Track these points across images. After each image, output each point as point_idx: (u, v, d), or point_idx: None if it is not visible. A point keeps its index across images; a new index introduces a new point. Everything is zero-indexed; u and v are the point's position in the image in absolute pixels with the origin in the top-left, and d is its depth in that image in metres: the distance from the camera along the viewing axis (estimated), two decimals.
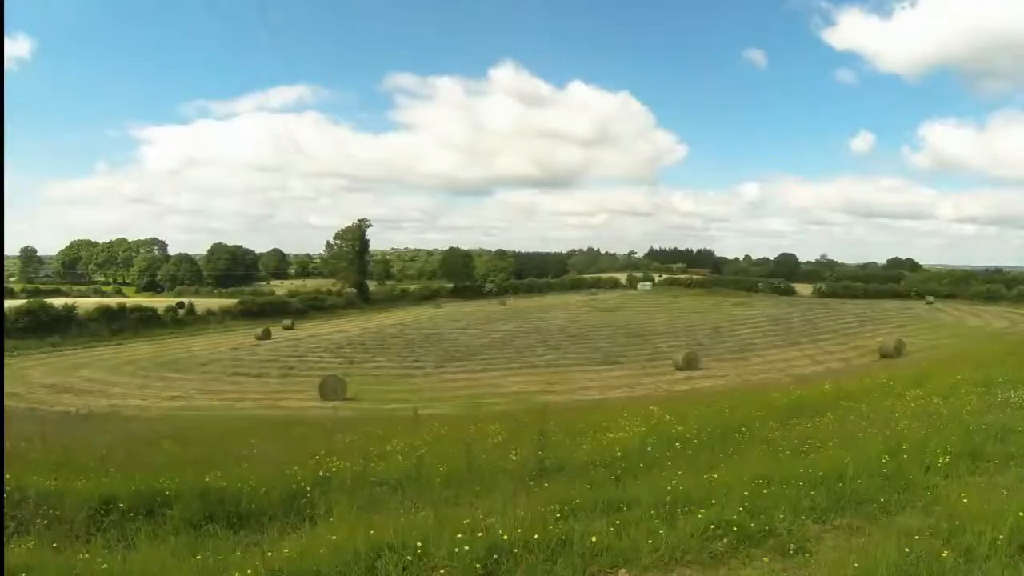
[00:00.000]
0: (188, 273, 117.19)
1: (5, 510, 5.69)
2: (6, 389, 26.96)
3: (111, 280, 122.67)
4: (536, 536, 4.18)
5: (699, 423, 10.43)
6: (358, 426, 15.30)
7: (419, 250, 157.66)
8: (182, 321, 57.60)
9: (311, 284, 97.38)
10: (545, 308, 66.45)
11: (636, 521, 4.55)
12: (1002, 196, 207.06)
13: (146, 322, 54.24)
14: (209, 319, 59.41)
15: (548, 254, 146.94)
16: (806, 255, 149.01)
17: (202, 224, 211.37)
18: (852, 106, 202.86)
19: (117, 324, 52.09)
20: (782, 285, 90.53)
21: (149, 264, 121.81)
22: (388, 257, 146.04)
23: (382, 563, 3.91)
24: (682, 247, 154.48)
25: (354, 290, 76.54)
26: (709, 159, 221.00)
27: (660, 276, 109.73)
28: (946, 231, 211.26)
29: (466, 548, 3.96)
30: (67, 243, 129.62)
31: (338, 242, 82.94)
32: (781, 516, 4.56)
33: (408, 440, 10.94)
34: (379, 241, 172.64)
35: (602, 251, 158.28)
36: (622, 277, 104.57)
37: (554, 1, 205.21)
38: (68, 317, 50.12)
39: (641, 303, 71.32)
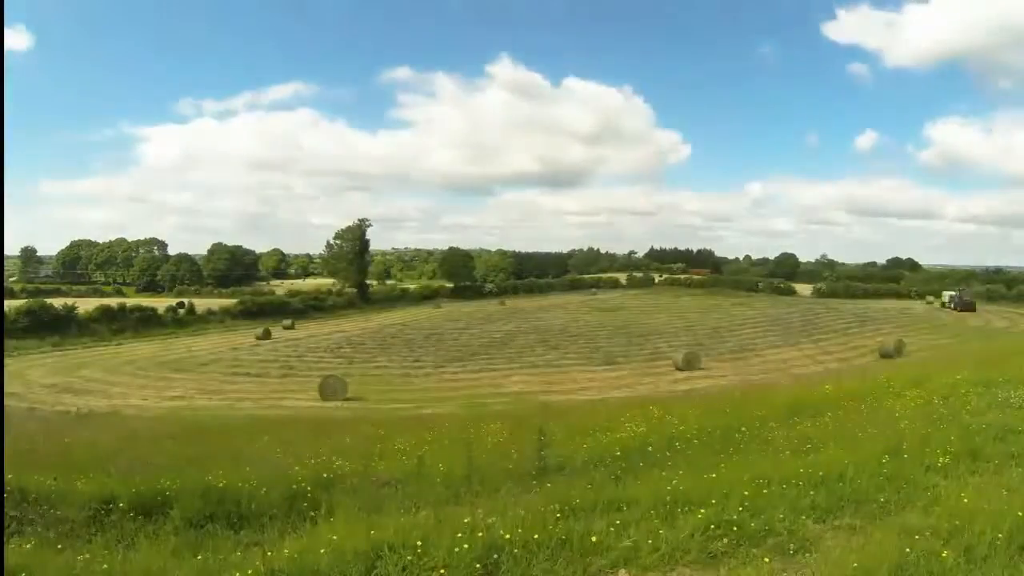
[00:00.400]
0: (188, 273, 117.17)
1: (5, 510, 5.69)
2: (6, 389, 26.97)
3: (111, 280, 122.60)
4: (536, 536, 4.18)
5: (699, 423, 10.43)
6: (358, 426, 15.31)
7: (419, 250, 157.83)
8: (182, 321, 57.61)
9: (311, 284, 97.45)
10: (545, 308, 66.46)
11: (636, 521, 4.55)
12: (1008, 196, 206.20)
13: (146, 322, 54.26)
14: (209, 319, 59.42)
15: (548, 254, 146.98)
16: (809, 255, 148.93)
17: (202, 224, 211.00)
18: (858, 104, 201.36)
19: (117, 324, 52.11)
20: (782, 285, 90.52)
21: (149, 264, 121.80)
22: (388, 257, 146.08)
23: (382, 563, 3.92)
24: (685, 247, 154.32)
25: (354, 290, 76.52)
26: (713, 158, 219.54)
27: (660, 276, 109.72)
28: (950, 231, 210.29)
29: (466, 547, 3.97)
30: (67, 243, 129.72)
31: (338, 242, 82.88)
32: (781, 516, 4.56)
33: (408, 440, 10.95)
34: (379, 241, 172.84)
35: (602, 251, 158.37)
36: (622, 277, 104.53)
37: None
38: (68, 317, 50.14)
39: (641, 303, 71.33)
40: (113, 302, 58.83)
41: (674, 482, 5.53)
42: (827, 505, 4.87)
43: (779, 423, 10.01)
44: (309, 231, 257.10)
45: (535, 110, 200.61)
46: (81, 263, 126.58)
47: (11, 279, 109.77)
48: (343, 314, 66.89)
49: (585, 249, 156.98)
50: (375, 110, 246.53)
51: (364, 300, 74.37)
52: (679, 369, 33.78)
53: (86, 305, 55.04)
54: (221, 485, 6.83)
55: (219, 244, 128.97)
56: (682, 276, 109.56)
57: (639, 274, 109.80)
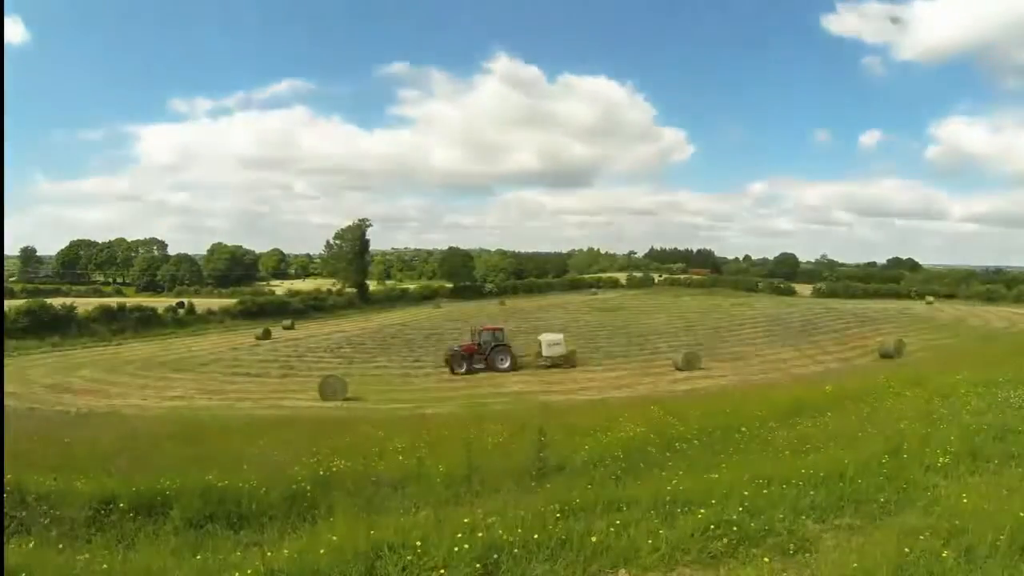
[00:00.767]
0: (188, 273, 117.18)
1: (5, 510, 5.69)
2: (6, 389, 26.96)
3: (111, 280, 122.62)
4: (536, 536, 4.19)
5: (699, 423, 10.43)
6: (358, 426, 15.29)
7: (419, 250, 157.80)
8: (182, 321, 57.58)
9: (311, 284, 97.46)
10: (545, 308, 66.45)
11: (636, 521, 4.55)
12: (1013, 196, 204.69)
13: (146, 322, 54.23)
14: (209, 319, 59.39)
15: (548, 254, 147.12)
16: (812, 255, 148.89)
17: (202, 224, 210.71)
18: (863, 102, 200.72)
19: (117, 324, 52.08)
20: (782, 285, 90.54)
21: (149, 264, 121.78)
22: (388, 257, 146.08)
23: (382, 563, 3.92)
24: (687, 246, 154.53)
25: (354, 290, 76.49)
26: (715, 158, 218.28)
27: (660, 276, 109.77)
28: (954, 231, 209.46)
29: (466, 547, 3.97)
30: (67, 243, 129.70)
31: (338, 242, 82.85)
32: (781, 516, 4.56)
33: (408, 440, 10.94)
34: (379, 241, 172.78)
35: (602, 251, 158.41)
36: (622, 277, 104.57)
37: None
38: (68, 317, 50.10)
39: (641, 303, 71.32)
40: (113, 302, 58.79)
41: (674, 482, 5.53)
42: (827, 505, 4.88)
43: (779, 423, 10.01)
44: (309, 231, 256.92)
45: (535, 109, 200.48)
46: (81, 263, 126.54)
47: (11, 279, 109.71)
48: (343, 314, 66.85)
49: (585, 249, 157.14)
50: (374, 108, 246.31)
51: (364, 300, 74.34)
52: (679, 369, 33.76)
53: (86, 305, 55.01)
54: (221, 485, 6.83)
55: (219, 244, 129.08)
56: (682, 276, 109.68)
57: (639, 274, 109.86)
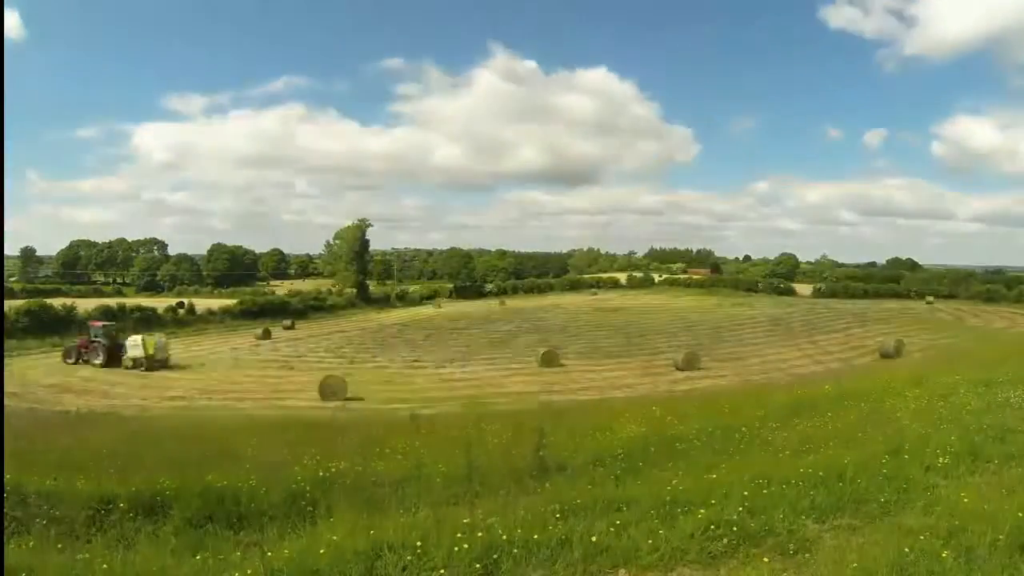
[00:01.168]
0: (188, 273, 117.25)
1: (5, 510, 5.69)
2: (6, 389, 26.94)
3: (111, 280, 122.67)
4: (536, 536, 4.19)
5: (699, 423, 10.44)
6: (358, 426, 15.29)
7: (419, 250, 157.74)
8: (182, 321, 57.54)
9: (311, 284, 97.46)
10: (545, 308, 66.46)
11: (636, 521, 4.55)
12: (1018, 196, 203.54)
13: (146, 322, 54.15)
14: (209, 319, 59.35)
15: (549, 254, 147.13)
16: (815, 255, 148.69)
17: (202, 224, 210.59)
18: (868, 101, 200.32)
19: (117, 324, 52.04)
20: (782, 285, 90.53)
21: (149, 264, 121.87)
22: (388, 257, 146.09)
23: (382, 563, 3.92)
24: (691, 246, 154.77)
25: (354, 290, 76.52)
26: (719, 158, 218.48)
27: (660, 276, 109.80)
28: (958, 231, 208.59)
29: (466, 548, 3.97)
30: (67, 243, 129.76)
31: (338, 242, 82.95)
32: (781, 516, 4.56)
33: (408, 440, 10.94)
34: (380, 241, 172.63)
35: (603, 251, 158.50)
36: (622, 277, 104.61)
37: None
38: (68, 317, 50.09)
39: (641, 303, 71.34)
40: (113, 302, 58.80)
41: (674, 482, 5.54)
42: (827, 505, 4.87)
43: (779, 423, 10.01)
44: (309, 231, 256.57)
45: (535, 105, 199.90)
46: (81, 263, 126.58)
47: (11, 279, 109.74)
48: (343, 314, 66.85)
49: (585, 249, 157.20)
50: (372, 105, 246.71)
51: (364, 300, 74.35)
52: (679, 369, 33.76)
53: (86, 305, 55.00)
54: (221, 485, 6.83)
55: (219, 244, 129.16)
56: (682, 276, 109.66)
57: (639, 274, 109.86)
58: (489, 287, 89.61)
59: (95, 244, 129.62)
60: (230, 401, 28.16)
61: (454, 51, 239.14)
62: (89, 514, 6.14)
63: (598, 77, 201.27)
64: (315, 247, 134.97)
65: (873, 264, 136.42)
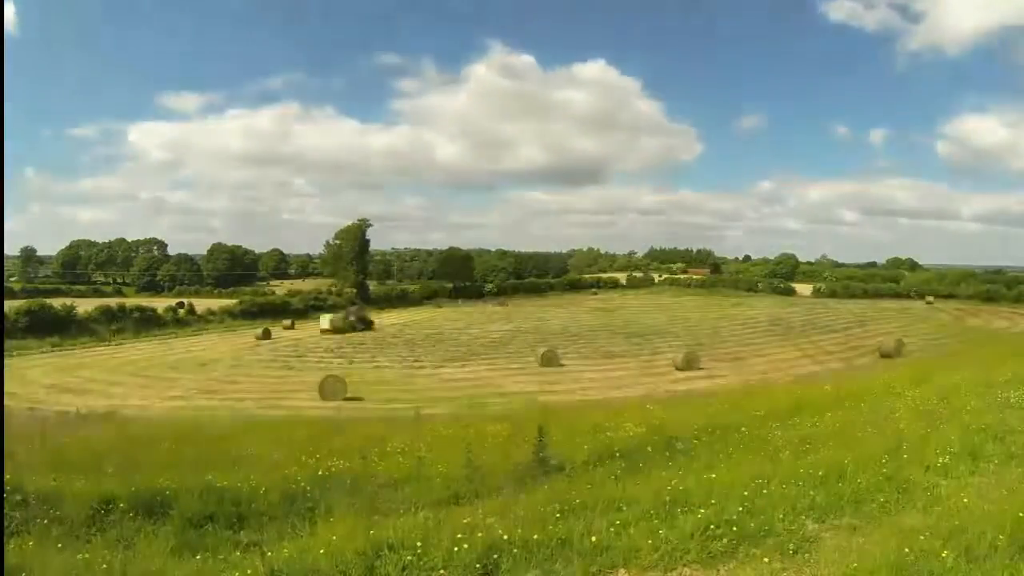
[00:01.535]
0: (188, 273, 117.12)
1: (5, 510, 5.69)
2: (6, 389, 26.93)
3: (111, 280, 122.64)
4: (536, 536, 4.19)
5: (699, 423, 10.43)
6: (358, 426, 15.29)
7: (419, 250, 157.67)
8: (182, 321, 57.57)
9: (311, 284, 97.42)
10: (545, 308, 66.47)
11: (636, 521, 4.55)
12: (1021, 195, 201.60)
13: (146, 322, 54.22)
14: (209, 319, 59.38)
15: (548, 254, 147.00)
16: (817, 254, 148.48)
17: (200, 223, 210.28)
18: (872, 99, 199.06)
19: (117, 324, 52.07)
20: (782, 285, 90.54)
21: (149, 264, 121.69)
22: (388, 257, 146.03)
23: (382, 563, 3.92)
24: (694, 246, 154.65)
25: (354, 290, 76.49)
26: (723, 157, 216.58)
27: (660, 276, 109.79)
28: (962, 231, 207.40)
29: (466, 547, 3.97)
30: (67, 243, 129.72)
31: (338, 242, 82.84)
32: (781, 516, 4.56)
33: (408, 440, 10.93)
34: (380, 240, 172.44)
35: (603, 251, 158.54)
36: (622, 277, 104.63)
37: None
38: (68, 317, 50.08)
39: (641, 303, 71.35)
40: (113, 302, 58.76)
41: (674, 482, 5.53)
42: (827, 505, 4.87)
43: (779, 423, 10.01)
44: (309, 230, 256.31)
45: (536, 102, 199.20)
46: (81, 263, 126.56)
47: (11, 279, 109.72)
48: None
49: (585, 249, 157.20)
50: (370, 103, 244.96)
51: (364, 300, 74.32)
52: (679, 369, 33.76)
53: (86, 305, 54.98)
54: (220, 485, 6.83)
55: (219, 244, 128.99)
56: (682, 276, 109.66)
57: (639, 274, 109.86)
58: (489, 287, 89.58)
59: (95, 244, 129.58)
60: (230, 401, 28.16)
61: (450, 47, 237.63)
62: (89, 514, 6.14)
63: (597, 71, 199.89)
64: (315, 247, 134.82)
65: (873, 264, 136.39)
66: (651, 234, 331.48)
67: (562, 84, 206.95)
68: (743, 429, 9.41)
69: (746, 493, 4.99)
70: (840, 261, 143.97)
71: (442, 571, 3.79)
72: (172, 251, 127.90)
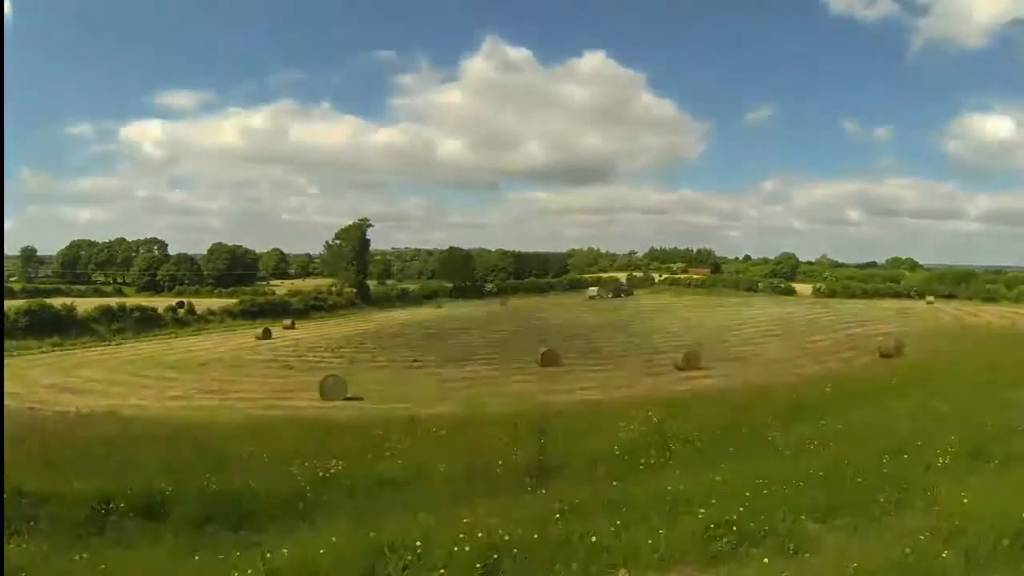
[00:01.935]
0: (188, 273, 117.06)
1: (5, 510, 5.69)
2: (6, 389, 26.92)
3: (111, 280, 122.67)
4: (536, 536, 4.18)
5: (699, 423, 10.43)
6: (358, 426, 15.29)
7: (419, 250, 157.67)
8: (182, 321, 57.54)
9: (311, 284, 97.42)
10: (545, 308, 66.47)
11: (636, 521, 4.54)
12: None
13: (146, 322, 54.19)
14: (209, 319, 59.35)
15: (549, 253, 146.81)
16: (819, 254, 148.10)
17: (200, 223, 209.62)
18: (876, 98, 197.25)
19: (117, 324, 52.05)
20: (782, 285, 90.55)
21: (149, 264, 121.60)
22: (388, 257, 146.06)
23: (382, 563, 3.91)
24: (695, 246, 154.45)
25: (354, 290, 76.46)
26: (727, 155, 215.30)
27: (660, 276, 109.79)
28: (965, 230, 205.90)
29: (466, 548, 3.96)
30: (67, 243, 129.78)
31: (338, 242, 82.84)
32: (781, 516, 4.55)
33: (408, 440, 10.93)
34: (380, 240, 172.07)
35: (603, 250, 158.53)
36: (622, 277, 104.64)
37: None
38: (68, 317, 50.08)
39: (641, 303, 71.36)
40: (113, 302, 58.69)
41: (674, 482, 5.53)
42: (827, 505, 4.86)
43: (780, 423, 10.01)
44: (309, 230, 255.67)
45: (536, 97, 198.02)
46: (81, 263, 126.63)
47: (11, 279, 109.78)
48: (343, 314, 66.86)
49: (585, 249, 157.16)
50: (369, 101, 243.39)
51: (364, 300, 74.31)
52: (679, 369, 33.73)
53: (86, 305, 54.96)
54: (220, 486, 6.83)
55: (219, 244, 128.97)
56: (682, 276, 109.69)
57: (639, 274, 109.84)
58: (489, 287, 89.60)
59: (95, 244, 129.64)
60: (230, 401, 28.16)
61: (447, 42, 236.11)
62: (88, 514, 6.15)
63: (597, 64, 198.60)
64: (315, 247, 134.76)
65: (873, 264, 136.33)
66: (653, 234, 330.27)
67: (562, 78, 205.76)
68: (743, 429, 9.41)
69: (747, 493, 4.98)
70: (841, 261, 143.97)
71: (442, 571, 3.78)
72: (172, 251, 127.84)
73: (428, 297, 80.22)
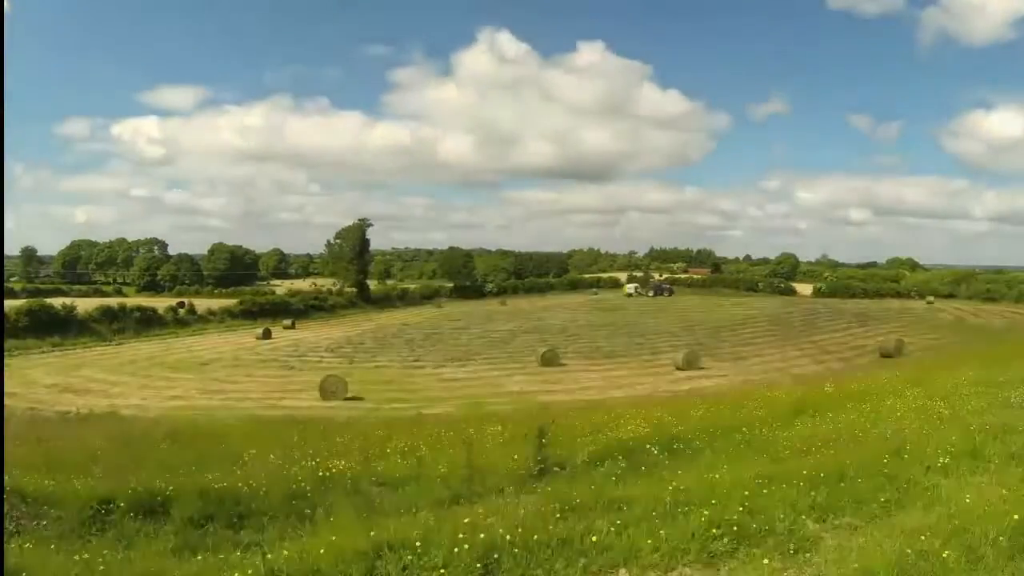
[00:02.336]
0: (188, 273, 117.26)
1: (5, 510, 5.69)
2: (6, 389, 26.96)
3: (111, 280, 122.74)
4: (536, 536, 4.18)
5: (699, 423, 10.43)
6: (358, 426, 15.30)
7: (419, 249, 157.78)
8: (183, 321, 57.59)
9: (311, 284, 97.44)
10: (545, 308, 66.46)
11: (637, 521, 4.54)
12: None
13: (146, 322, 54.23)
14: (210, 319, 59.40)
15: (549, 253, 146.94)
16: (822, 254, 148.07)
17: (199, 222, 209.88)
18: (881, 97, 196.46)
19: (118, 324, 52.08)
20: (782, 285, 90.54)
21: (149, 264, 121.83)
22: (388, 256, 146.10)
23: (382, 563, 3.92)
24: (695, 246, 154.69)
25: (354, 290, 76.50)
26: (729, 155, 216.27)
27: (661, 276, 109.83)
28: (968, 230, 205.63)
29: (466, 547, 3.96)
30: (67, 243, 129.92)
31: (338, 242, 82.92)
32: (781, 516, 4.55)
33: (408, 440, 10.94)
34: (380, 240, 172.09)
35: (604, 250, 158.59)
36: (623, 277, 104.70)
37: None
38: (68, 317, 50.10)
39: (641, 303, 71.35)
40: (113, 302, 58.74)
41: (674, 482, 5.52)
42: (827, 505, 4.86)
43: (779, 423, 10.01)
44: (309, 230, 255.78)
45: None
46: (81, 263, 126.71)
47: (11, 279, 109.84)
48: (343, 314, 66.89)
49: (586, 249, 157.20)
50: (369, 97, 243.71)
51: (364, 300, 74.34)
52: (679, 369, 33.75)
53: (86, 305, 54.99)
54: (220, 485, 6.84)
55: (219, 244, 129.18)
56: (682, 276, 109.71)
57: (639, 274, 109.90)
58: (489, 287, 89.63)
59: (95, 244, 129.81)
60: (230, 401, 28.17)
61: (441, 35, 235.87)
62: (88, 514, 6.15)
63: (596, 58, 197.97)
64: (315, 247, 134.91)
65: (873, 264, 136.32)
66: (654, 234, 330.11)
67: (562, 71, 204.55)
68: (744, 429, 9.41)
69: (747, 493, 4.98)
70: (841, 261, 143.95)
71: (443, 571, 3.79)
72: (172, 251, 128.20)
73: (428, 297, 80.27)
